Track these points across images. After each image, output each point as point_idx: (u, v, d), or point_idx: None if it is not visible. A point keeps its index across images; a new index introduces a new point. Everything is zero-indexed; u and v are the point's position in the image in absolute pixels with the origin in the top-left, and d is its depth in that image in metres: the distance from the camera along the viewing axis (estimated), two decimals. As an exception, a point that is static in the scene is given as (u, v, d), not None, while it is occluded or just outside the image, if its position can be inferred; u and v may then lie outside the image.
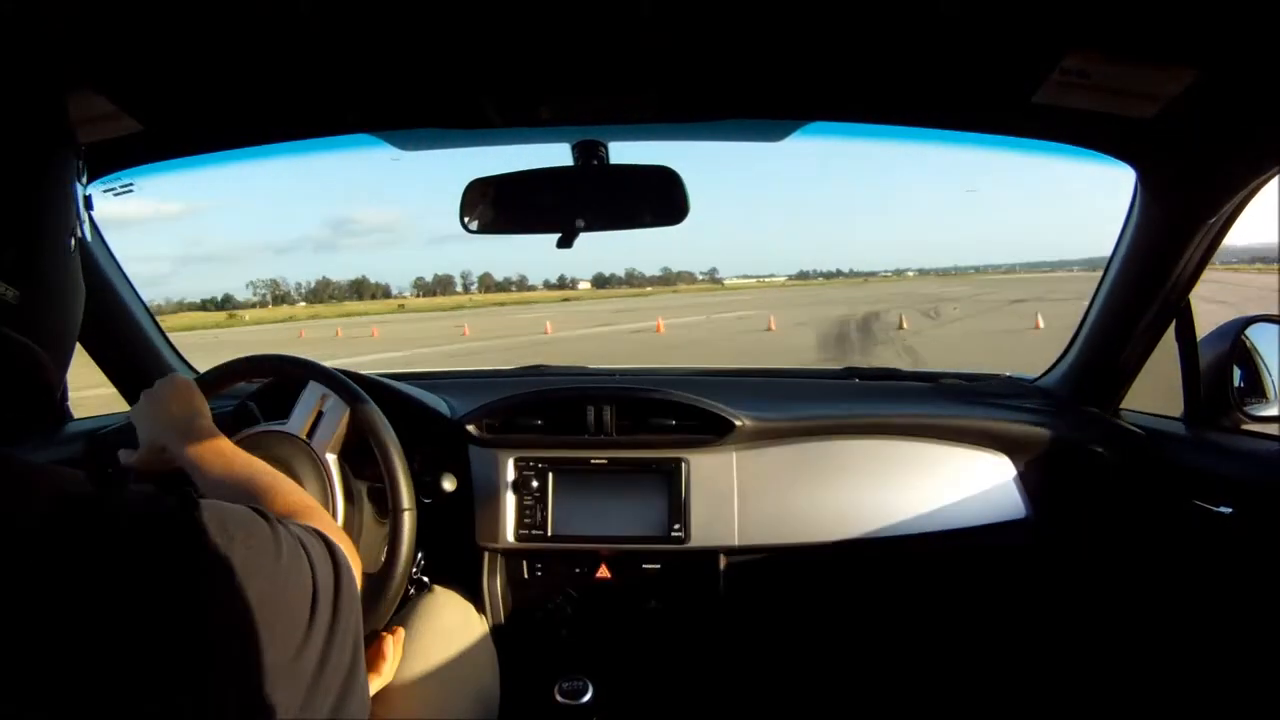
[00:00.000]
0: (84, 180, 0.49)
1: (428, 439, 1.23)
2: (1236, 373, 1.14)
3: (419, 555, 1.14)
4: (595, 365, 1.78)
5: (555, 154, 1.09)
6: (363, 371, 1.21)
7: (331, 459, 0.98)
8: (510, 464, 1.24)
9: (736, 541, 1.20)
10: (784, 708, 1.31)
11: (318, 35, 0.79)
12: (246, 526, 0.44)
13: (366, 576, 0.91)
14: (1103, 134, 1.01)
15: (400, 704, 0.93)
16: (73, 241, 0.46)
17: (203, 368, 1.24)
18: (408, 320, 32.94)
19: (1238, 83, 0.81)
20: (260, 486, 0.69)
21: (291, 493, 0.70)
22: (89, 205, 0.52)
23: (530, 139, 1.12)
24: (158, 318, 1.40)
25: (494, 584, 1.25)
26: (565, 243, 1.07)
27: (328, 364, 1.06)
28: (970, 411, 1.31)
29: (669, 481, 1.21)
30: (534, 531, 1.22)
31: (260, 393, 1.10)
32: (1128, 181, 1.10)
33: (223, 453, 0.77)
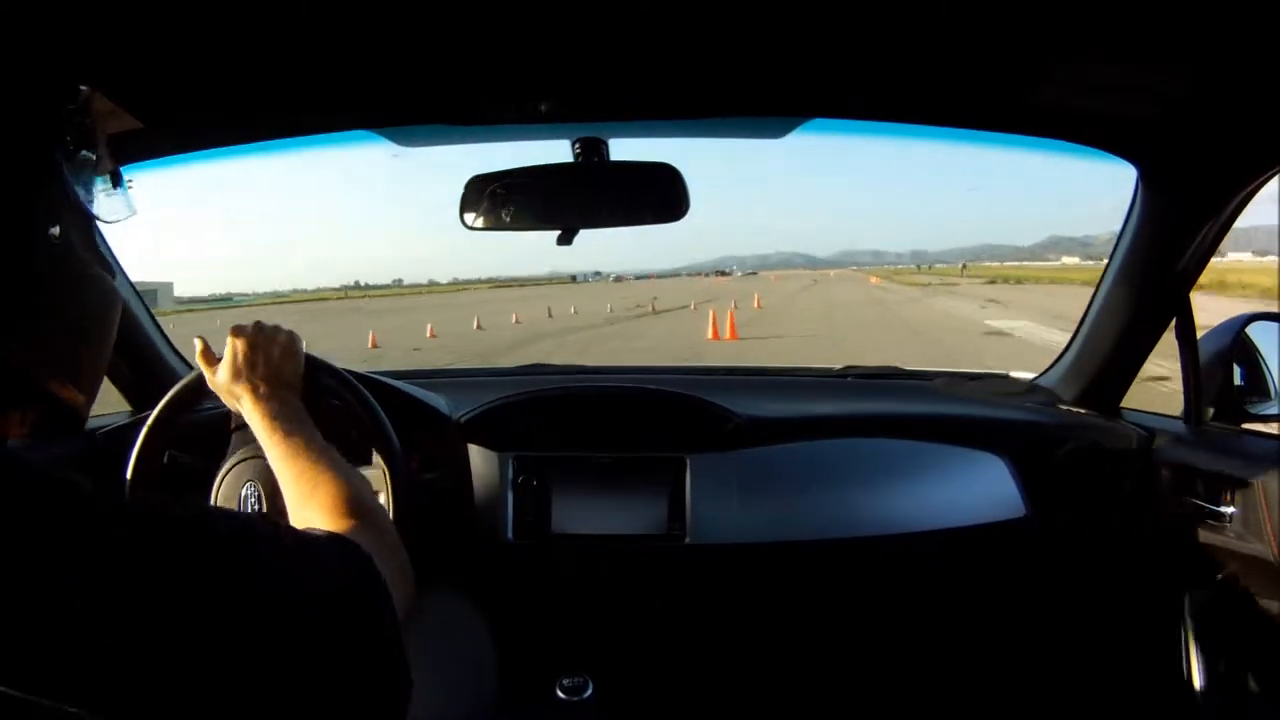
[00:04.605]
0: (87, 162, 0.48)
1: (427, 438, 1.23)
2: (1237, 371, 1.14)
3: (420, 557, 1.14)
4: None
5: (556, 151, 1.09)
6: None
7: None
8: (510, 462, 1.23)
9: (736, 539, 1.20)
10: (784, 705, 1.31)
11: (318, 32, 0.79)
12: (248, 536, 0.43)
13: None
14: (1104, 132, 1.01)
15: None
16: (57, 231, 0.44)
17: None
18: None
19: (1238, 82, 0.81)
20: (318, 477, 0.67)
21: (348, 488, 0.67)
22: (118, 182, 0.49)
23: (531, 136, 1.12)
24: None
25: (493, 582, 1.25)
26: (566, 239, 1.08)
27: None
28: (969, 410, 1.31)
29: (669, 479, 1.21)
30: (534, 530, 1.22)
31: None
32: (1128, 178, 1.10)
33: (298, 440, 0.73)
